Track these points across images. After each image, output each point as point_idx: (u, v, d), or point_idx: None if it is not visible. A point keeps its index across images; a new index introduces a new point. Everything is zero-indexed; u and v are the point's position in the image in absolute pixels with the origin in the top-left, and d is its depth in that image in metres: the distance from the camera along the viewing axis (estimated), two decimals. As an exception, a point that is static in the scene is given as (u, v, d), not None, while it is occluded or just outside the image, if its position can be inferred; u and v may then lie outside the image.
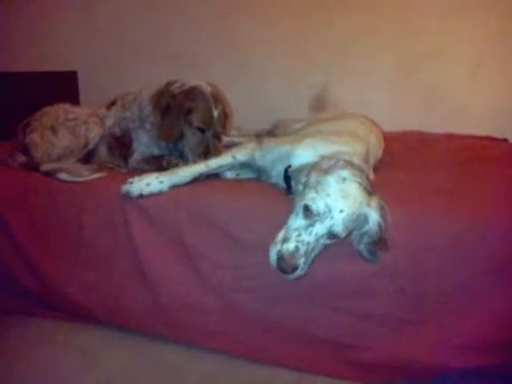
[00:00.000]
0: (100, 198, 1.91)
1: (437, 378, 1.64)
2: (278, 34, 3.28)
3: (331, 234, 1.48)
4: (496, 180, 1.93)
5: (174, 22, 3.44)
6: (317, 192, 1.49)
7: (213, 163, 1.91)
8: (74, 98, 3.47)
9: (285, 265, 1.45)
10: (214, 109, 2.03)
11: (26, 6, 3.64)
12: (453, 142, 2.60)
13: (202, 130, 2.03)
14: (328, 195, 1.48)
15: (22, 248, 1.97)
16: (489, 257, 1.55)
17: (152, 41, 3.51)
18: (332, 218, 1.46)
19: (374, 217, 1.51)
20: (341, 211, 1.47)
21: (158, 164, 2.06)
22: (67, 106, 2.25)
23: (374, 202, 1.53)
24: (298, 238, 1.46)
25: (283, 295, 1.71)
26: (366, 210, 1.51)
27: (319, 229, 1.47)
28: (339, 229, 1.47)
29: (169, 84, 2.10)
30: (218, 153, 2.03)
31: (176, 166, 1.99)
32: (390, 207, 1.63)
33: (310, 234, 1.47)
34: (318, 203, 1.47)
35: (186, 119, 2.03)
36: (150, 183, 1.81)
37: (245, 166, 1.96)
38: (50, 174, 2.01)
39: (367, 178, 1.62)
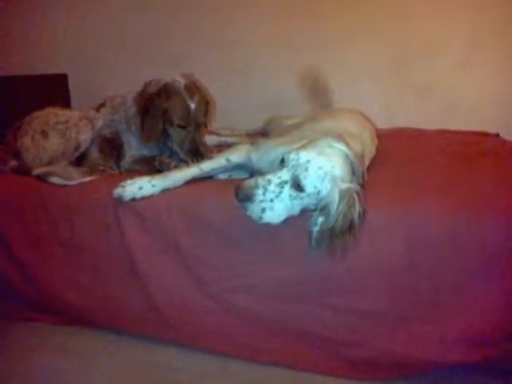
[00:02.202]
0: (92, 201, 1.90)
1: (434, 373, 1.64)
2: (269, 30, 3.28)
3: (295, 183, 1.50)
4: (489, 175, 1.93)
5: (163, 23, 3.43)
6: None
7: (206, 166, 1.90)
8: (64, 101, 3.44)
9: (240, 191, 1.50)
10: (190, 102, 2.02)
11: (16, 10, 3.62)
12: (445, 138, 2.60)
13: (183, 127, 2.04)
14: (305, 149, 1.52)
15: (15, 252, 1.96)
16: (483, 251, 1.56)
17: (142, 43, 3.49)
18: (298, 166, 1.49)
19: (336, 200, 1.49)
20: (307, 161, 1.49)
21: (149, 165, 2.07)
22: (57, 110, 2.24)
23: (347, 185, 1.50)
24: (263, 177, 1.52)
25: (278, 294, 1.71)
26: (336, 186, 1.49)
27: (284, 173, 1.51)
28: (302, 176, 1.48)
29: (146, 85, 2.11)
30: (204, 145, 2.06)
31: (168, 165, 2.00)
32: (384, 204, 1.64)
33: (275, 175, 1.52)
34: (291, 154, 1.52)
35: (165, 119, 2.03)
36: (143, 187, 1.80)
37: (238, 167, 1.95)
38: (41, 178, 2.00)
39: (363, 176, 1.62)
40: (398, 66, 3.14)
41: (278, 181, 1.51)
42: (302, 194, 1.52)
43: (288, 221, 1.58)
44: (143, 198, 1.80)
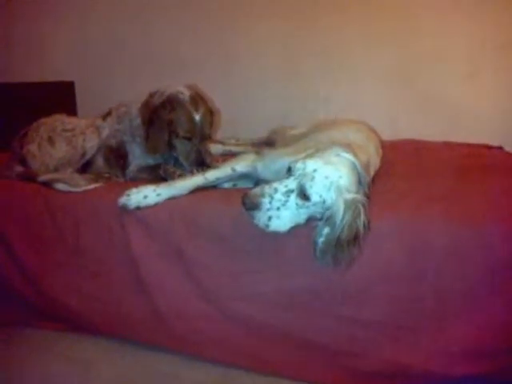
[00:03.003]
0: (97, 208, 1.91)
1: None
2: (271, 39, 3.30)
3: (301, 192, 1.51)
4: (492, 187, 1.93)
5: (168, 32, 3.46)
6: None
7: (211, 175, 1.91)
8: (71, 108, 3.47)
9: (247, 200, 1.53)
10: (195, 114, 2.01)
11: (23, 17, 3.65)
12: (449, 150, 2.61)
13: (188, 138, 2.04)
14: (311, 158, 1.54)
15: (19, 258, 1.97)
16: (486, 263, 1.56)
17: (148, 52, 3.52)
18: (305, 175, 1.51)
19: (341, 211, 1.49)
20: (314, 170, 1.50)
21: (154, 173, 2.08)
22: (64, 117, 2.26)
23: (353, 196, 1.51)
24: (270, 185, 1.55)
25: (280, 302, 1.71)
26: (341, 197, 1.50)
27: (291, 182, 1.53)
28: (308, 186, 1.50)
29: (151, 95, 2.10)
30: (210, 156, 2.07)
31: (173, 173, 2.01)
32: (387, 214, 1.65)
33: (281, 183, 1.53)
34: (298, 162, 1.54)
35: (171, 131, 2.03)
36: (148, 196, 1.81)
37: (243, 176, 1.96)
38: (47, 185, 2.01)
39: (368, 187, 1.63)
40: (403, 76, 3.14)
41: (285, 189, 1.53)
42: (307, 203, 1.52)
43: (291, 230, 1.59)
44: (148, 207, 1.81)
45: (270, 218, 1.53)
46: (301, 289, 1.67)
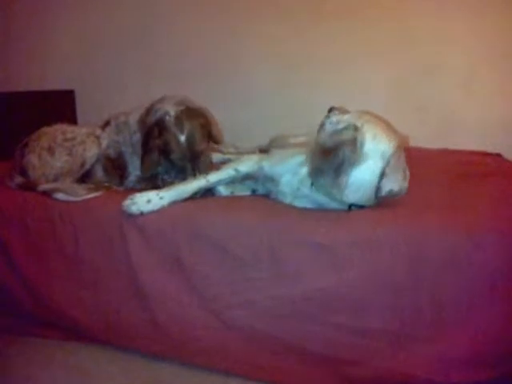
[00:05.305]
0: (97, 217, 1.92)
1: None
2: (271, 47, 3.31)
3: None
4: (490, 195, 1.94)
5: (169, 40, 3.48)
6: None
7: (213, 177, 1.92)
8: (71, 117, 3.48)
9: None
10: (179, 136, 1.98)
11: (23, 25, 3.67)
12: (446, 157, 2.62)
13: (180, 159, 2.03)
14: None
15: (18, 267, 1.97)
16: (484, 272, 1.56)
17: (148, 59, 3.54)
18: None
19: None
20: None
21: (153, 183, 2.08)
22: (65, 126, 2.26)
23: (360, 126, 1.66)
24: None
25: (279, 311, 1.71)
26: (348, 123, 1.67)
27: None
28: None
29: (147, 110, 2.10)
30: (209, 168, 2.06)
31: (171, 184, 2.01)
32: (386, 223, 1.65)
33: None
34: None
35: (163, 154, 2.04)
36: (151, 199, 1.82)
37: (246, 177, 1.97)
38: (47, 194, 2.02)
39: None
40: (401, 84, 3.15)
41: (338, 118, 1.73)
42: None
43: (290, 237, 1.61)
44: (152, 211, 1.81)
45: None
46: (299, 297, 1.67)
